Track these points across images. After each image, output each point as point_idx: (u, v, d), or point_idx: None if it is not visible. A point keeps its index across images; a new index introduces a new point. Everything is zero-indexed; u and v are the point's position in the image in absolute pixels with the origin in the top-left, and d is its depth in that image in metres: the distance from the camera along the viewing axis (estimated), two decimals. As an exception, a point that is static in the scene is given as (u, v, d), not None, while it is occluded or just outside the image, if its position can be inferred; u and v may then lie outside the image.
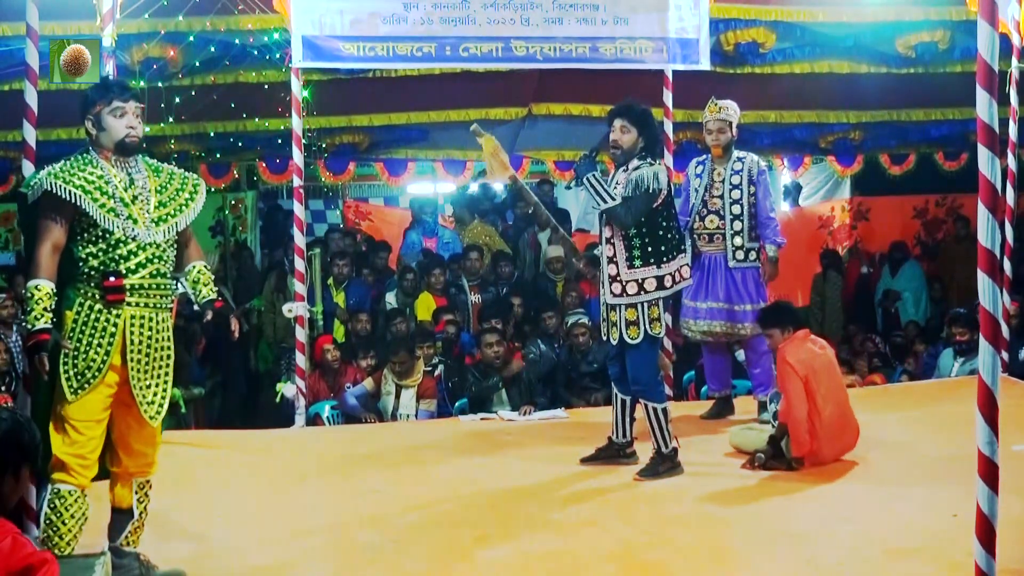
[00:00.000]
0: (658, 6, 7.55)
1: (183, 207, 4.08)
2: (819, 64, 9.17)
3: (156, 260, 3.98)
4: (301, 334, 7.33)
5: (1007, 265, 7.57)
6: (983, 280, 3.37)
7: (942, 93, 9.89)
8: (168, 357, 4.09)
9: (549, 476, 5.61)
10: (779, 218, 12.30)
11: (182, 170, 4.23)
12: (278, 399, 8.00)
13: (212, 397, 8.77)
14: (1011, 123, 7.48)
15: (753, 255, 6.83)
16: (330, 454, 6.38)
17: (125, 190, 3.93)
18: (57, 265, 3.87)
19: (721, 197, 6.80)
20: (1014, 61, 7.37)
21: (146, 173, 4.05)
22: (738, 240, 6.77)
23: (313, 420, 7.45)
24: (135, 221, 3.92)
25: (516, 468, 5.82)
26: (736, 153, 6.91)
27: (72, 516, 3.86)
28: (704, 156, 7.01)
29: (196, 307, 4.35)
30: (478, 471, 5.81)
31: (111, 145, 3.97)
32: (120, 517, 4.13)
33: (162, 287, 4.01)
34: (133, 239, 3.91)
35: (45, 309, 3.77)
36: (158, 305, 4.01)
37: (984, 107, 3.34)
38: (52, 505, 3.85)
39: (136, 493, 4.11)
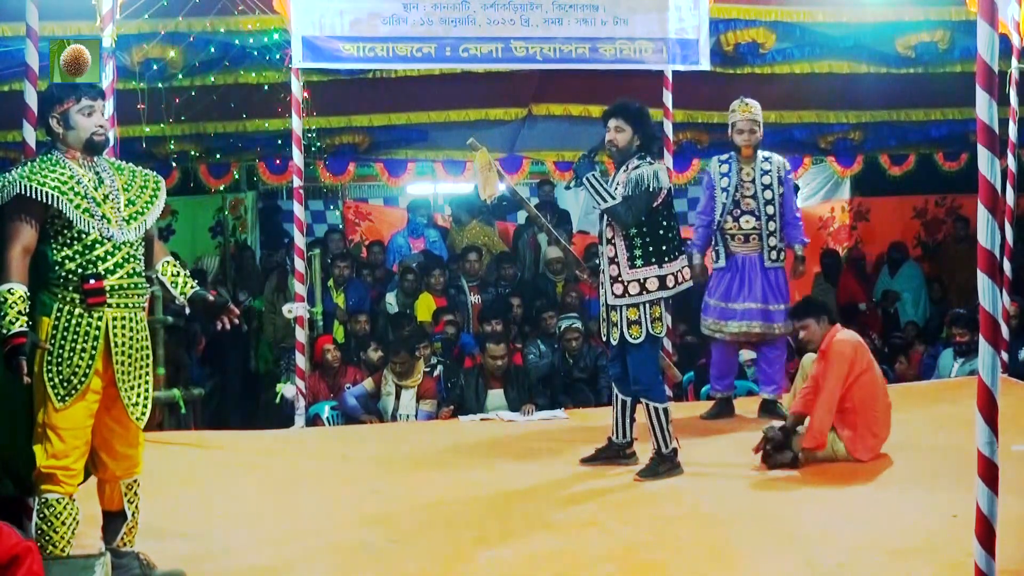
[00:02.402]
0: (658, 6, 7.56)
1: (149, 204, 4.02)
2: (819, 64, 9.17)
3: (131, 259, 3.94)
4: (301, 335, 7.34)
5: (1007, 266, 7.57)
6: (983, 281, 3.37)
7: (942, 93, 9.89)
8: (148, 356, 4.05)
9: (549, 476, 5.61)
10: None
11: (140, 167, 4.17)
12: (278, 400, 8.00)
13: (212, 398, 8.76)
14: (1011, 123, 7.48)
15: (782, 254, 6.86)
16: (330, 454, 6.38)
17: (95, 189, 3.86)
18: (27, 269, 3.77)
19: (754, 197, 6.77)
20: (1014, 61, 7.37)
21: (111, 172, 3.99)
22: (772, 240, 6.80)
23: (313, 421, 7.45)
24: (108, 221, 3.86)
25: (516, 468, 5.82)
26: (761, 153, 6.88)
27: (63, 523, 3.82)
28: (728, 155, 6.92)
29: (179, 300, 4.23)
30: (478, 471, 5.81)
31: (79, 144, 3.90)
32: (113, 520, 4.10)
33: (139, 286, 3.97)
34: (108, 239, 3.85)
35: (19, 313, 3.67)
36: (136, 305, 3.96)
37: (984, 107, 3.34)
38: (42, 515, 3.80)
39: (125, 494, 4.07)
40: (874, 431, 5.73)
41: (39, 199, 3.74)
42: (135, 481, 4.10)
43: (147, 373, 4.03)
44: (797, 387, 6.00)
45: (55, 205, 3.76)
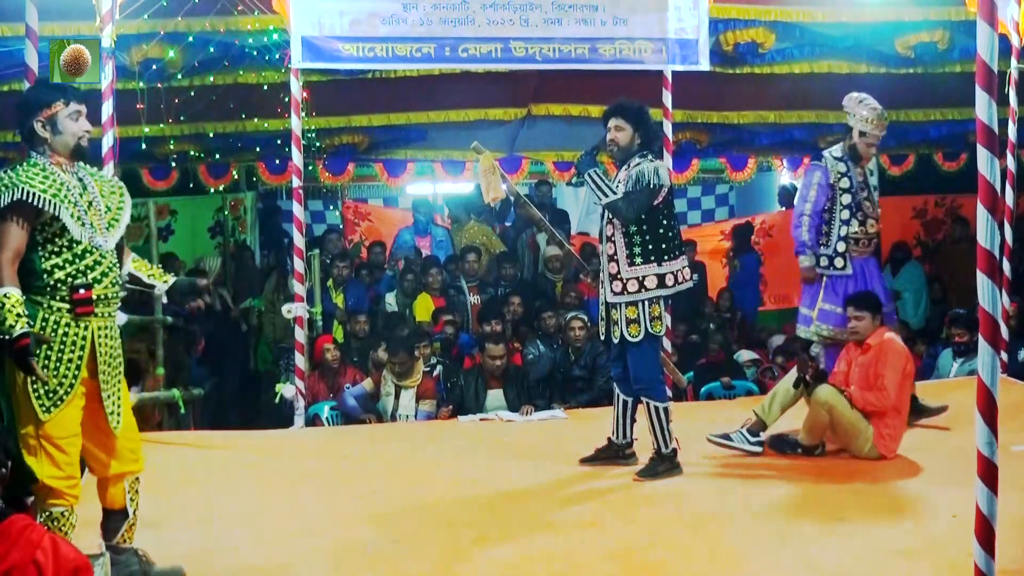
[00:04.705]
0: (657, 6, 7.55)
1: (121, 210, 4.02)
2: (818, 64, 9.17)
3: (113, 268, 3.93)
4: (300, 335, 7.33)
5: (1006, 266, 7.58)
6: (982, 281, 3.37)
7: (941, 93, 9.89)
8: (120, 363, 4.05)
9: (549, 476, 5.61)
10: (773, 219, 12.36)
11: (102, 172, 4.17)
12: (277, 400, 8.00)
13: (211, 398, 8.76)
14: (1010, 124, 7.49)
15: None
16: (329, 454, 6.38)
17: (80, 196, 3.84)
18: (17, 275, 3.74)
19: (870, 200, 6.56)
20: (1013, 62, 7.38)
21: (90, 178, 3.96)
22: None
23: (312, 421, 7.45)
24: (95, 228, 3.85)
25: (516, 468, 5.82)
26: None
27: (66, 534, 3.82)
28: (840, 153, 6.58)
29: (158, 290, 4.27)
30: (478, 471, 5.81)
31: (66, 150, 3.86)
32: (114, 517, 4.11)
33: (118, 295, 3.98)
34: (97, 248, 3.84)
35: (19, 315, 3.62)
36: (113, 313, 3.97)
37: (983, 108, 3.34)
38: (46, 527, 3.76)
39: (128, 492, 4.09)
40: (899, 432, 5.84)
41: (36, 205, 3.69)
42: (136, 479, 4.12)
43: (119, 380, 4.03)
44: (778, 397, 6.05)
45: (54, 213, 3.72)
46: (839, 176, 6.48)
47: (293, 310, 7.32)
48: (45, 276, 3.77)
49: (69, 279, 3.78)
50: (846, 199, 6.47)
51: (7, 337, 3.61)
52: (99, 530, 4.15)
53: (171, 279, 4.26)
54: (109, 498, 4.09)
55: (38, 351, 3.70)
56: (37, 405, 3.73)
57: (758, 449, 5.92)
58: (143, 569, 4.09)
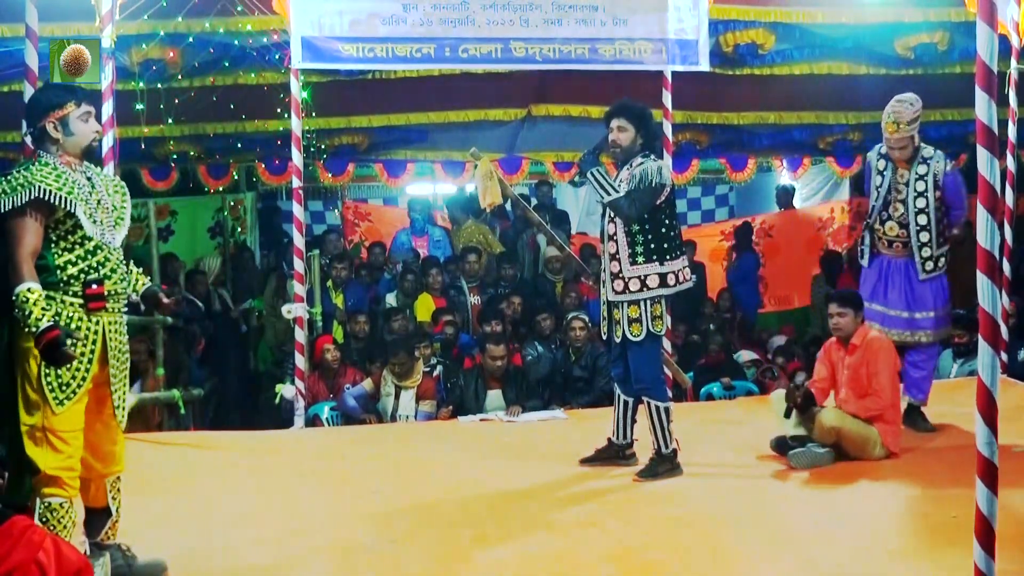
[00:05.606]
0: (657, 7, 7.55)
1: (124, 208, 4.09)
2: (818, 65, 9.17)
3: (120, 264, 4.00)
4: (300, 335, 7.33)
5: (1006, 266, 7.58)
6: (982, 281, 3.37)
7: (941, 94, 9.87)
8: (127, 359, 4.12)
9: (548, 477, 5.61)
10: (773, 220, 12.36)
11: (103, 171, 4.21)
12: (277, 400, 7.99)
13: (211, 398, 8.77)
14: (1010, 124, 7.49)
15: (943, 261, 6.34)
16: (329, 455, 6.38)
17: (90, 194, 3.91)
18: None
19: (904, 203, 6.28)
20: (1013, 62, 7.38)
21: (96, 177, 4.03)
22: (927, 251, 6.28)
23: (312, 421, 7.45)
24: (103, 226, 3.92)
25: (515, 469, 5.82)
26: (923, 152, 6.31)
27: (64, 527, 3.85)
28: (886, 151, 6.39)
29: (132, 297, 4.29)
30: (478, 471, 5.81)
31: (77, 150, 3.93)
32: (97, 516, 4.16)
33: (125, 291, 4.05)
34: (107, 245, 3.92)
35: (43, 309, 3.69)
36: (122, 309, 4.04)
37: (983, 108, 3.34)
38: (44, 519, 3.82)
39: (110, 491, 4.14)
40: (899, 426, 5.90)
41: (52, 203, 3.75)
42: (118, 478, 4.17)
43: (126, 376, 4.11)
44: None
45: (70, 210, 3.78)
46: (876, 172, 6.44)
47: (293, 311, 7.32)
48: (58, 272, 3.83)
49: (82, 275, 3.85)
50: (875, 196, 6.45)
51: (33, 331, 3.66)
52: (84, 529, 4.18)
53: (142, 288, 4.29)
54: (91, 497, 4.14)
55: (69, 345, 3.73)
56: (51, 398, 3.78)
57: (828, 451, 5.70)
58: (127, 563, 4.14)
